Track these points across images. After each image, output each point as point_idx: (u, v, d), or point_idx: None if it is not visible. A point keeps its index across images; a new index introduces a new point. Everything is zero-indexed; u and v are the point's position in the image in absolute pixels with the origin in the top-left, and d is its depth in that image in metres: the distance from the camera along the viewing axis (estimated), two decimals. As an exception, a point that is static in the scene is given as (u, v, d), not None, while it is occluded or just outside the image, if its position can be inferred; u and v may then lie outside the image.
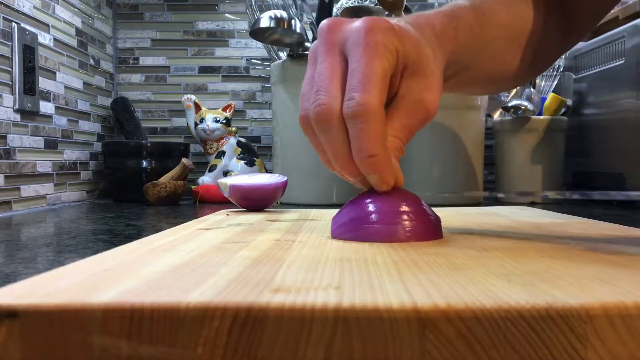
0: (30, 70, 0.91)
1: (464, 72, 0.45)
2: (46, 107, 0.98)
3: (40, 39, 0.96)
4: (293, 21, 0.95)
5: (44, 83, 0.97)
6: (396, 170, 0.37)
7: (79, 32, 1.12)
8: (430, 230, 0.37)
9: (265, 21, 0.94)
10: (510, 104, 1.10)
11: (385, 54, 0.36)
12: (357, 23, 0.37)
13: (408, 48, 0.37)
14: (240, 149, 1.15)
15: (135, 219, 0.75)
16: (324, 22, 0.39)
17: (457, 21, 0.44)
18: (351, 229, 0.37)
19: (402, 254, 0.31)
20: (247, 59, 1.32)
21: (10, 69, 0.87)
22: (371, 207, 0.37)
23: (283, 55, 1.07)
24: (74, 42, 1.10)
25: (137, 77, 1.32)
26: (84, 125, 1.14)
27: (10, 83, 0.87)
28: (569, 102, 1.15)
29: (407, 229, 0.36)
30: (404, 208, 0.36)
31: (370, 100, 0.34)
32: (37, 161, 0.95)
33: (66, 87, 1.06)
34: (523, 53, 0.51)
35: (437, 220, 0.38)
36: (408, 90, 0.37)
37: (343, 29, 0.38)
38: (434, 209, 0.40)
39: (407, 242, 0.35)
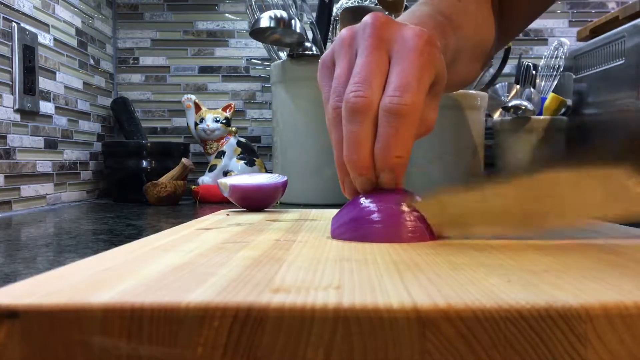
0: (30, 70, 0.91)
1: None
2: (46, 107, 0.98)
3: (40, 39, 0.96)
4: (293, 21, 0.95)
5: (44, 83, 0.97)
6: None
7: (79, 32, 1.12)
8: (430, 231, 0.37)
9: (265, 21, 0.94)
10: (510, 104, 1.10)
11: (432, 69, 0.37)
12: (410, 31, 0.38)
13: (443, 67, 0.39)
14: (240, 149, 1.15)
15: (135, 219, 0.75)
16: (372, 16, 0.38)
17: (446, 40, 0.46)
18: (351, 229, 0.37)
19: (402, 254, 0.31)
20: (247, 59, 1.32)
21: (10, 69, 0.87)
22: (371, 207, 0.37)
23: (283, 55, 1.07)
24: (74, 42, 1.10)
25: (137, 77, 1.32)
26: (84, 125, 1.14)
27: (10, 83, 0.87)
28: (569, 102, 1.15)
29: (407, 229, 0.36)
30: (405, 208, 0.36)
31: (416, 103, 0.35)
32: (37, 161, 0.95)
33: (66, 87, 1.06)
34: (481, 60, 0.55)
35: None
36: (424, 106, 0.38)
37: (394, 30, 0.38)
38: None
39: (407, 243, 0.35)
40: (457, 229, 0.37)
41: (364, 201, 0.37)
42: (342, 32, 0.40)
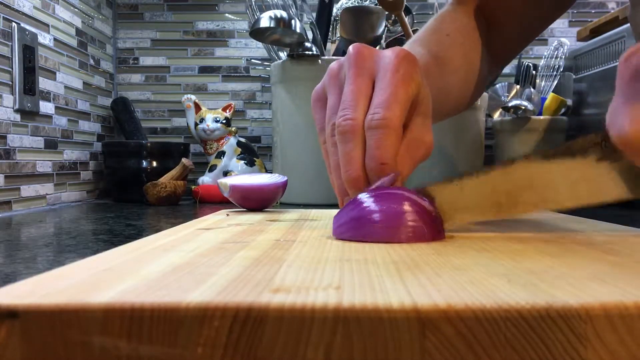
0: (30, 70, 0.91)
1: None
2: (46, 107, 0.98)
3: (40, 39, 0.96)
4: (293, 21, 0.95)
5: (44, 83, 0.97)
6: None
7: (79, 32, 1.12)
8: (431, 231, 0.36)
9: (265, 21, 0.94)
10: (510, 104, 1.10)
11: (411, 84, 0.41)
12: (389, 52, 0.42)
13: (425, 86, 0.43)
14: (240, 149, 1.15)
15: (135, 219, 0.75)
16: (353, 48, 0.43)
17: (426, 77, 0.49)
18: (352, 228, 0.37)
19: (402, 254, 0.31)
20: (247, 59, 1.32)
21: (10, 69, 0.87)
22: (372, 207, 0.37)
23: (283, 55, 1.07)
24: (74, 42, 1.10)
25: (137, 77, 1.32)
26: (84, 125, 1.14)
27: (10, 83, 0.87)
28: (569, 102, 1.15)
29: (409, 229, 0.36)
30: (406, 208, 0.36)
31: (392, 116, 0.39)
32: (37, 161, 0.95)
33: (66, 87, 1.06)
34: (471, 88, 0.60)
35: (440, 220, 0.38)
36: (415, 125, 0.42)
37: (373, 56, 0.43)
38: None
39: (415, 242, 0.35)
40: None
41: (365, 200, 0.37)
42: (331, 66, 0.44)
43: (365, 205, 0.37)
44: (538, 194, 0.38)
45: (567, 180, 0.38)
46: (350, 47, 0.43)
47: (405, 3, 0.91)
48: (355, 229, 0.37)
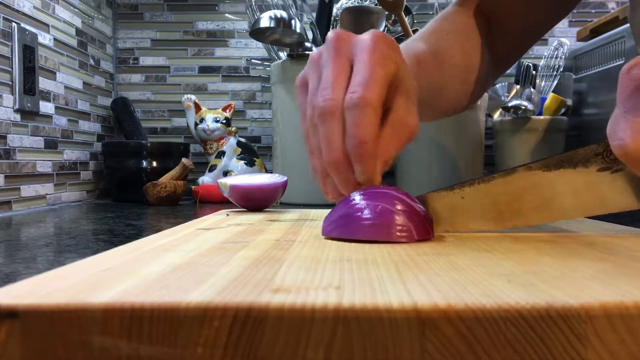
0: (30, 70, 0.91)
1: (423, 106, 0.49)
2: (46, 107, 0.98)
3: (40, 39, 0.96)
4: (293, 21, 0.95)
5: (44, 83, 0.97)
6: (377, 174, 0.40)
7: (79, 32, 1.12)
8: (420, 231, 0.36)
9: (265, 21, 0.94)
10: (510, 104, 1.10)
11: (388, 63, 0.41)
12: (365, 35, 0.42)
13: (404, 67, 0.43)
14: (240, 149, 1.15)
15: (135, 219, 0.75)
16: (331, 33, 0.43)
17: (420, 67, 0.50)
18: (340, 225, 0.37)
19: (402, 254, 0.31)
20: (247, 59, 1.32)
21: (10, 69, 0.87)
22: (361, 205, 0.37)
23: (283, 55, 1.07)
24: (74, 42, 1.10)
25: (137, 77, 1.32)
26: (84, 125, 1.14)
27: (10, 83, 0.87)
28: (569, 102, 1.15)
29: (396, 227, 0.36)
30: (395, 207, 0.36)
31: (371, 95, 0.39)
32: (37, 161, 0.95)
33: (66, 87, 1.06)
34: (471, 87, 0.60)
35: (429, 220, 0.38)
36: (398, 106, 0.42)
37: (351, 39, 0.43)
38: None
39: (404, 241, 0.35)
40: (439, 225, 0.40)
41: (355, 199, 0.38)
42: (312, 53, 0.45)
43: (353, 203, 0.37)
44: (540, 204, 0.38)
45: (570, 190, 0.38)
46: (329, 33, 0.43)
47: (405, 3, 0.91)
48: (343, 226, 0.37)
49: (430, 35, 0.59)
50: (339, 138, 0.39)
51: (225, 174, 1.12)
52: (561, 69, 1.16)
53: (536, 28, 0.66)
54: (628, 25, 0.94)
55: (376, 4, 0.99)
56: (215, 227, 0.45)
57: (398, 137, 0.41)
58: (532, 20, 0.64)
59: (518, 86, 1.14)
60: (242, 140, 1.17)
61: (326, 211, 0.60)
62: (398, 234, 0.36)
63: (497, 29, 0.63)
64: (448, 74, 0.57)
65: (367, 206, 0.37)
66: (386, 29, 1.03)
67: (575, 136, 1.15)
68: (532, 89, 1.12)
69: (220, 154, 1.14)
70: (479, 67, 0.61)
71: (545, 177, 0.38)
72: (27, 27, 0.92)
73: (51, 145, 1.00)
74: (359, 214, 0.36)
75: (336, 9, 1.06)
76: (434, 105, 0.54)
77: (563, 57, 1.15)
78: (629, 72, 0.34)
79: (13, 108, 0.88)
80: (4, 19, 0.86)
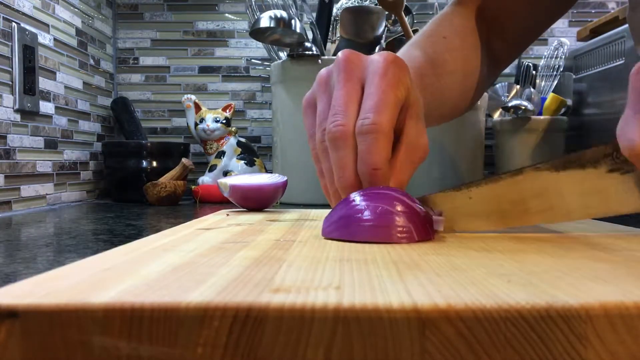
0: (30, 70, 0.91)
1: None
2: (46, 107, 0.98)
3: (40, 39, 0.96)
4: (293, 21, 0.95)
5: (44, 83, 0.97)
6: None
7: (79, 32, 1.12)
8: (420, 232, 0.36)
9: (265, 21, 0.94)
10: (510, 104, 1.10)
11: (400, 87, 0.41)
12: (377, 57, 0.42)
13: (414, 88, 0.43)
14: (240, 149, 1.15)
15: (135, 219, 0.75)
16: (342, 53, 0.43)
17: (420, 79, 0.50)
18: (340, 227, 0.37)
19: (402, 254, 0.31)
20: (247, 59, 1.32)
21: (10, 69, 0.87)
22: (361, 206, 0.37)
23: (283, 55, 1.07)
24: (74, 42, 1.10)
25: (137, 77, 1.32)
26: (84, 125, 1.14)
27: (10, 83, 0.87)
28: (569, 102, 1.15)
29: (396, 229, 0.36)
30: (395, 208, 0.36)
31: (382, 121, 0.39)
32: (37, 161, 0.95)
33: (66, 87, 1.06)
34: (470, 92, 0.59)
35: (429, 219, 0.38)
36: (409, 129, 0.42)
37: (362, 60, 0.42)
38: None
39: (404, 242, 0.35)
40: (446, 225, 0.40)
41: (355, 200, 0.38)
42: (320, 73, 0.45)
43: (353, 204, 0.37)
44: (547, 205, 0.38)
45: (578, 191, 0.38)
46: (339, 54, 0.43)
47: (405, 3, 0.91)
48: (343, 227, 0.37)
49: (426, 39, 0.59)
50: (352, 163, 0.40)
51: (225, 174, 1.12)
52: (561, 69, 1.16)
53: (536, 27, 0.65)
54: (628, 25, 0.94)
55: (376, 4, 0.99)
56: (215, 227, 0.45)
57: (411, 160, 0.42)
58: (533, 20, 0.63)
59: (518, 86, 1.14)
60: (242, 140, 1.17)
61: (326, 211, 0.60)
62: (399, 235, 0.36)
63: (496, 28, 0.62)
64: (447, 81, 0.57)
65: (367, 207, 0.37)
66: (386, 29, 1.03)
67: (575, 136, 1.15)
68: (532, 89, 1.12)
69: (220, 154, 1.14)
70: (478, 69, 0.61)
71: (554, 177, 0.38)
72: (27, 27, 0.92)
73: (51, 145, 1.00)
74: (359, 215, 0.36)
75: (336, 9, 1.06)
76: (434, 113, 0.54)
77: (563, 57, 1.15)
78: (639, 73, 0.33)
79: (13, 108, 0.88)
80: (4, 19, 0.86)
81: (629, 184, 0.37)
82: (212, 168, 1.13)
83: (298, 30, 0.95)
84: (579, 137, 1.16)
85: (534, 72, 1.13)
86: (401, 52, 0.56)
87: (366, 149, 0.39)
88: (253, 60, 1.32)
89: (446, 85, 0.57)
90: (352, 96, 0.41)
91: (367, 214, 0.36)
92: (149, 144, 1.11)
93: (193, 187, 1.07)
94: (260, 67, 1.31)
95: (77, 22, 1.12)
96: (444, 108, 0.59)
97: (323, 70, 0.44)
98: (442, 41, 0.59)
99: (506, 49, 0.65)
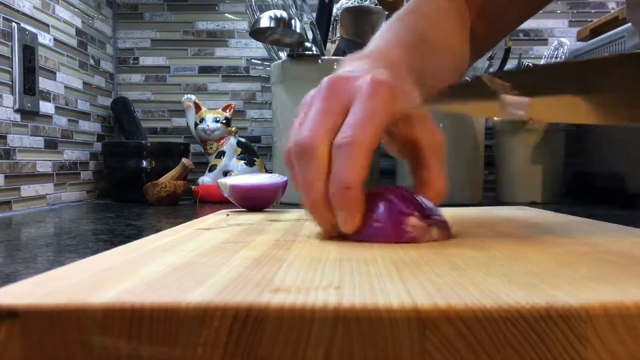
0: (30, 70, 0.91)
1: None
2: (46, 107, 0.98)
3: (40, 39, 0.96)
4: (293, 21, 0.95)
5: (44, 83, 0.97)
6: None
7: (79, 32, 1.12)
8: (420, 233, 0.36)
9: (265, 21, 0.94)
10: (510, 104, 1.10)
11: (385, 108, 0.37)
12: (362, 81, 0.39)
13: (404, 105, 0.39)
14: (240, 149, 1.15)
15: (135, 219, 0.75)
16: (326, 79, 0.40)
17: (423, 61, 0.48)
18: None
19: (402, 254, 0.31)
20: (247, 59, 1.32)
21: (10, 69, 0.87)
22: (372, 206, 0.37)
23: (283, 55, 1.07)
24: (74, 42, 1.10)
25: (137, 77, 1.32)
26: (84, 125, 1.14)
27: (10, 83, 0.87)
28: (569, 102, 1.15)
29: (408, 229, 0.35)
30: (411, 210, 0.36)
31: (362, 136, 0.35)
32: (37, 161, 0.95)
33: (66, 87, 1.06)
34: (457, 76, 0.57)
35: (444, 222, 0.38)
36: (422, 134, 0.41)
37: (347, 85, 0.39)
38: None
39: (409, 243, 0.35)
40: None
41: (369, 201, 0.37)
42: (305, 97, 0.41)
43: (367, 206, 0.37)
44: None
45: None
46: (324, 79, 0.40)
47: (405, 3, 0.91)
48: (357, 229, 0.37)
49: (409, 15, 0.55)
50: (318, 182, 0.36)
51: (225, 174, 1.12)
52: (561, 69, 1.16)
53: (521, 12, 0.65)
54: (628, 25, 0.94)
55: (376, 4, 0.99)
56: (215, 227, 0.45)
57: (439, 159, 0.40)
58: (523, 6, 0.63)
59: (518, 86, 1.13)
60: (242, 140, 1.17)
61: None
62: (411, 235, 0.35)
63: (479, 14, 0.61)
64: (439, 57, 0.54)
65: (377, 208, 0.36)
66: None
67: (576, 136, 1.15)
68: (532, 89, 1.12)
69: (220, 154, 1.14)
70: (465, 51, 0.60)
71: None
72: (27, 27, 0.92)
73: (51, 145, 1.00)
74: (369, 215, 0.36)
75: (336, 9, 1.06)
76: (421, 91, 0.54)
77: (563, 57, 1.15)
78: None
79: (13, 108, 0.88)
80: (4, 19, 0.86)
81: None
82: (212, 168, 1.13)
83: (298, 30, 0.95)
84: (579, 137, 1.16)
85: (534, 72, 1.13)
86: (386, 28, 0.53)
87: (340, 163, 0.35)
88: (253, 60, 1.32)
89: (431, 66, 0.54)
90: (327, 113, 0.37)
91: (378, 215, 0.36)
92: (149, 144, 1.11)
93: (193, 187, 1.07)
94: (260, 67, 1.31)
95: (77, 22, 1.12)
96: (429, 87, 0.58)
97: (308, 95, 0.41)
98: (427, 20, 0.56)
99: (491, 34, 0.63)
